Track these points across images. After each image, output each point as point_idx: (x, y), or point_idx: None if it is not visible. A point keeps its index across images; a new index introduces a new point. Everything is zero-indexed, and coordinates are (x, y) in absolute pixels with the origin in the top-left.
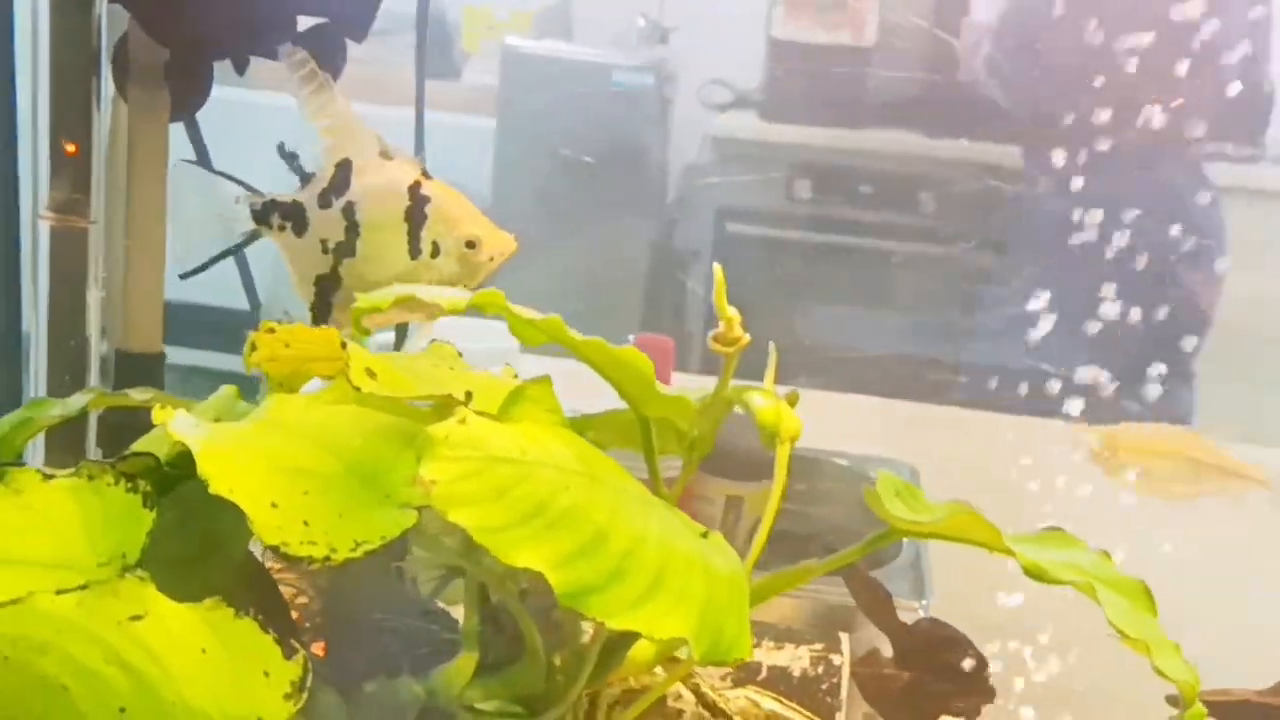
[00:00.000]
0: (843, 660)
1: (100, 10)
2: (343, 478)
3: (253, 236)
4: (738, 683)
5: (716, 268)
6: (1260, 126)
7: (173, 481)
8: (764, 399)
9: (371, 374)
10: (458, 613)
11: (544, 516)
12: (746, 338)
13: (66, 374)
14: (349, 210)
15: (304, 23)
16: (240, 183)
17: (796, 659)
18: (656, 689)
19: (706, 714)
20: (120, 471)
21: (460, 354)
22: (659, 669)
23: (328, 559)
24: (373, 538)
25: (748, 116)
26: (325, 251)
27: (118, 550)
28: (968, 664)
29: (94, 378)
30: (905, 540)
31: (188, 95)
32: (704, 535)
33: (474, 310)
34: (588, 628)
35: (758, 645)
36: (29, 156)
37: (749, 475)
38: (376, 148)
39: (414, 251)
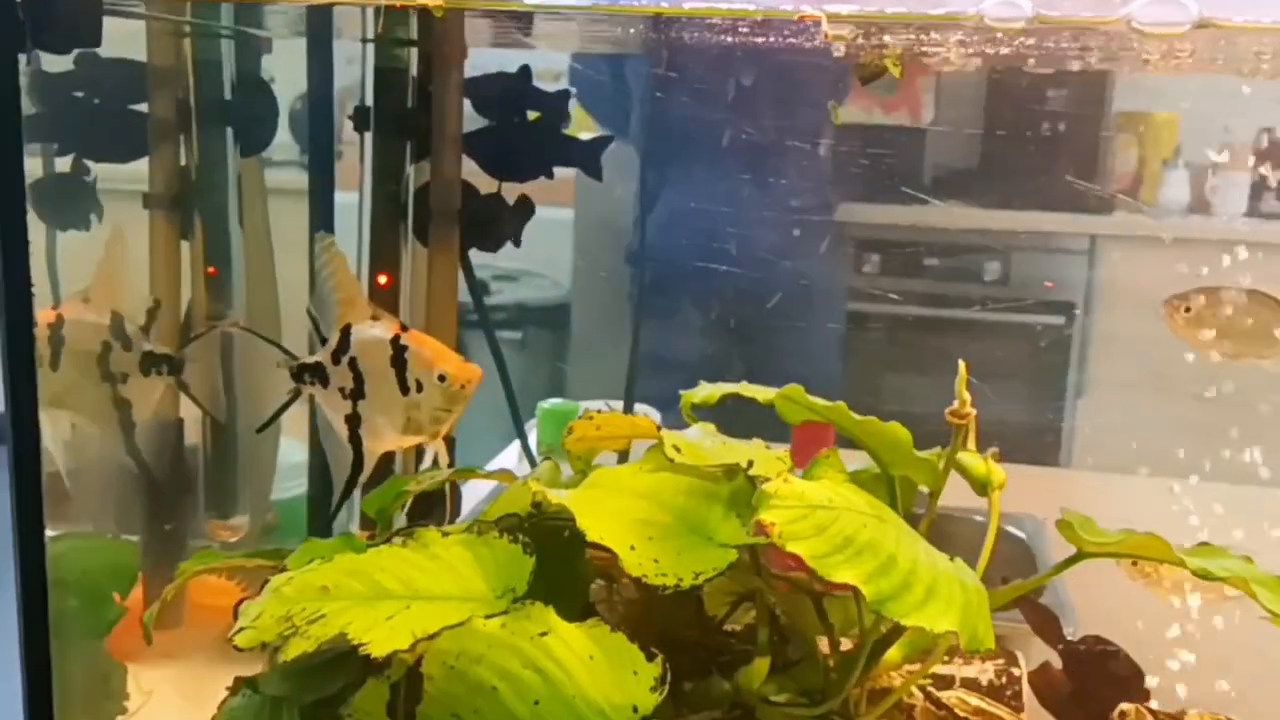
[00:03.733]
0: (1021, 672)
1: (408, 173)
2: (674, 526)
3: (295, 394)
4: (941, 689)
5: (961, 364)
6: None
7: (532, 535)
8: (973, 457)
9: (677, 449)
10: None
11: (853, 546)
12: (974, 412)
13: None
14: (353, 364)
15: None
16: (282, 349)
17: (983, 671)
18: (909, 680)
19: (933, 707)
20: (502, 528)
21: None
22: (897, 672)
23: (677, 586)
24: (707, 569)
25: None
26: (345, 397)
27: (508, 586)
28: (1125, 671)
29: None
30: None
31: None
32: (951, 559)
33: (781, 402)
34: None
35: (949, 661)
36: None
37: None
38: (369, 312)
39: (404, 389)
